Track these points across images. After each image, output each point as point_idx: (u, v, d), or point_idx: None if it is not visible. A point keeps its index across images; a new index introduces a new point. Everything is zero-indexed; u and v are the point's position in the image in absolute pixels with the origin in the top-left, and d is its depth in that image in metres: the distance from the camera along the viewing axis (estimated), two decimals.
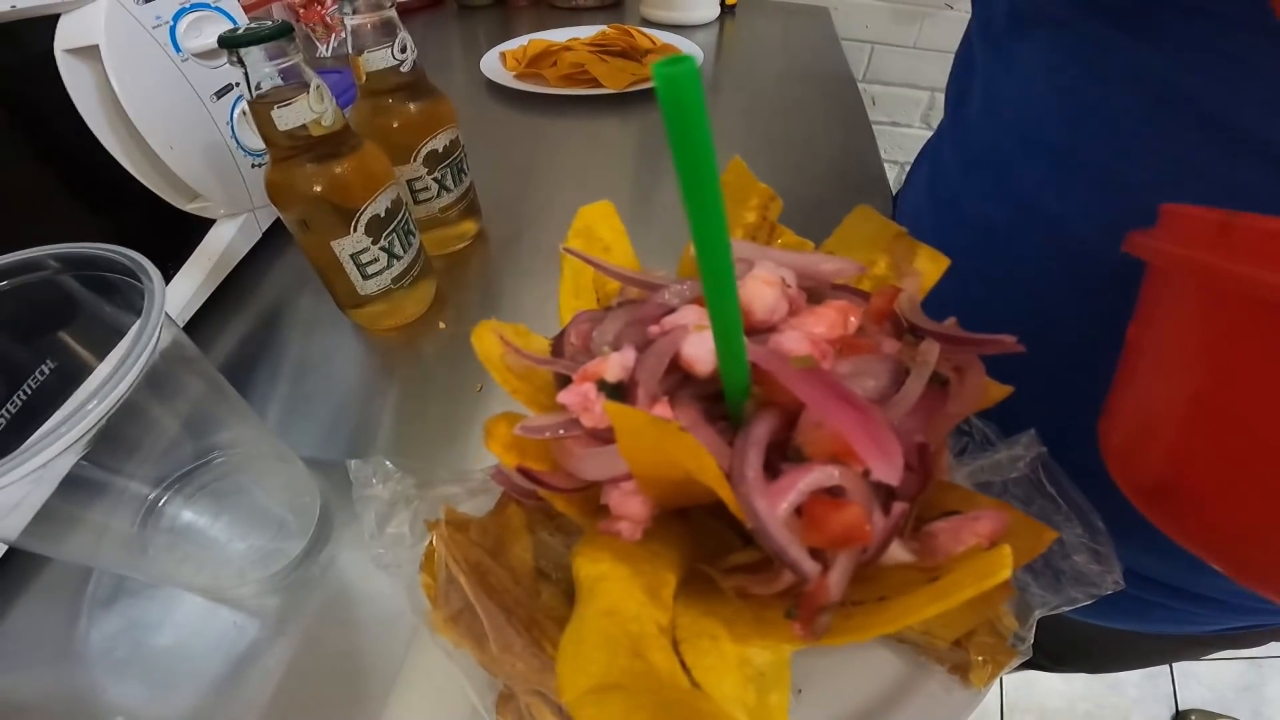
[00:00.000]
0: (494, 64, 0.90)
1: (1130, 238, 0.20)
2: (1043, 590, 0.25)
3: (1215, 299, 0.17)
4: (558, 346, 0.22)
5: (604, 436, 0.19)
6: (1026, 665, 0.75)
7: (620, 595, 0.19)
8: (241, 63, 0.36)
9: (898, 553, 0.20)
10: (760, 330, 0.20)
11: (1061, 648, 0.66)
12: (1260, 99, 0.28)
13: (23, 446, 0.22)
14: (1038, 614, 0.25)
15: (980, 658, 0.25)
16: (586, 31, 0.96)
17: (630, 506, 0.21)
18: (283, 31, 0.36)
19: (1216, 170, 0.29)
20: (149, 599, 0.36)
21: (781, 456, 0.19)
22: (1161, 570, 0.42)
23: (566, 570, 0.26)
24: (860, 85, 1.28)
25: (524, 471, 0.20)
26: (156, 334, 0.27)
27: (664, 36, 0.95)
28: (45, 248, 0.30)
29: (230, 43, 0.35)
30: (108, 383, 0.24)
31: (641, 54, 0.89)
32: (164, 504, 0.33)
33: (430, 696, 0.32)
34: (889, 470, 0.16)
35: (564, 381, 0.20)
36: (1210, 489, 0.19)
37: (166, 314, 0.29)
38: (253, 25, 0.36)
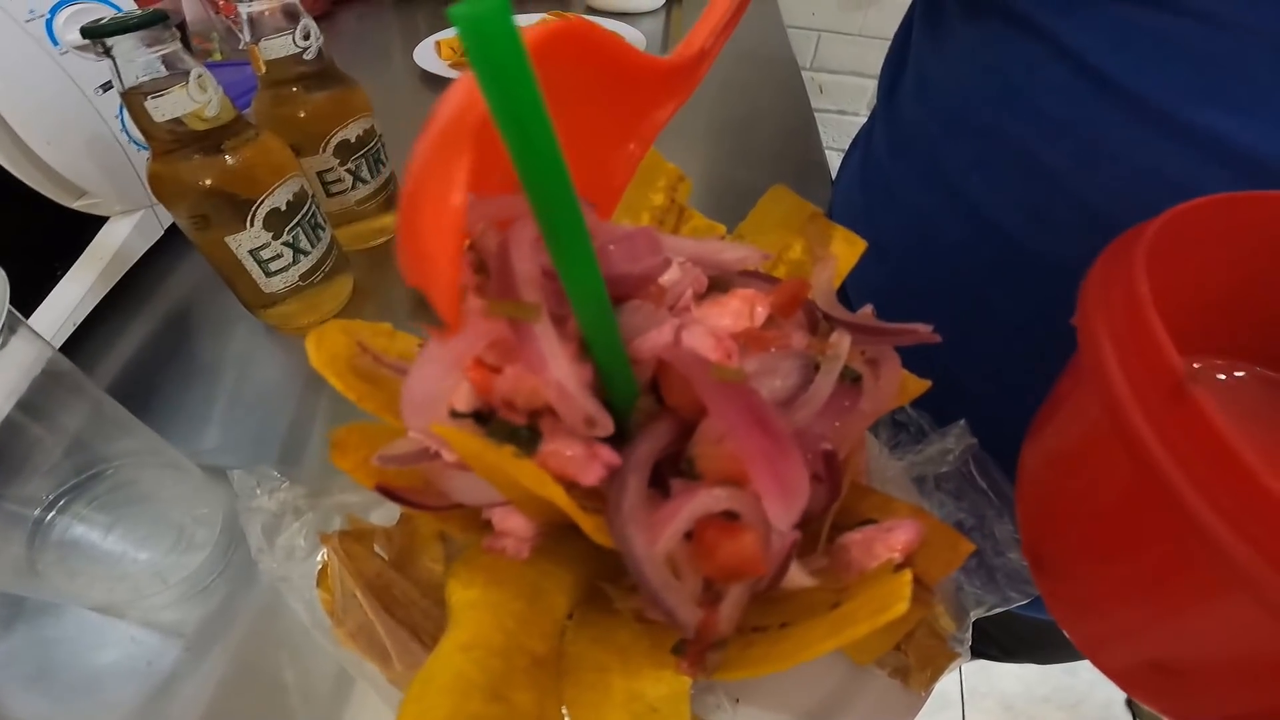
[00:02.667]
0: (428, 54, 0.86)
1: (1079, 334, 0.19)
2: (978, 590, 0.24)
3: (1126, 451, 0.15)
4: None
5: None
6: (979, 656, 0.75)
7: (487, 626, 0.17)
8: (109, 53, 0.33)
9: (799, 577, 0.18)
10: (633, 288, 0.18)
11: (1012, 641, 0.66)
12: (1182, 81, 0.27)
13: None
14: (974, 615, 0.24)
15: (919, 661, 0.24)
16: (526, 20, 0.93)
17: (513, 523, 0.18)
18: (153, 20, 0.34)
19: (1135, 154, 0.29)
20: (53, 615, 0.35)
21: (673, 469, 0.17)
22: None
23: None
24: (807, 73, 1.27)
25: (386, 491, 0.18)
26: None
27: (609, 24, 0.93)
28: None
29: (94, 33, 0.33)
30: None
31: None
32: (52, 520, 0.32)
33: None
34: (785, 516, 0.14)
35: None
36: (1058, 568, 0.21)
37: (35, 331, 0.29)
38: (120, 14, 0.34)
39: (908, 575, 0.15)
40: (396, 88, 0.85)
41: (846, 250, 0.23)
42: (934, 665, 0.23)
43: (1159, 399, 0.14)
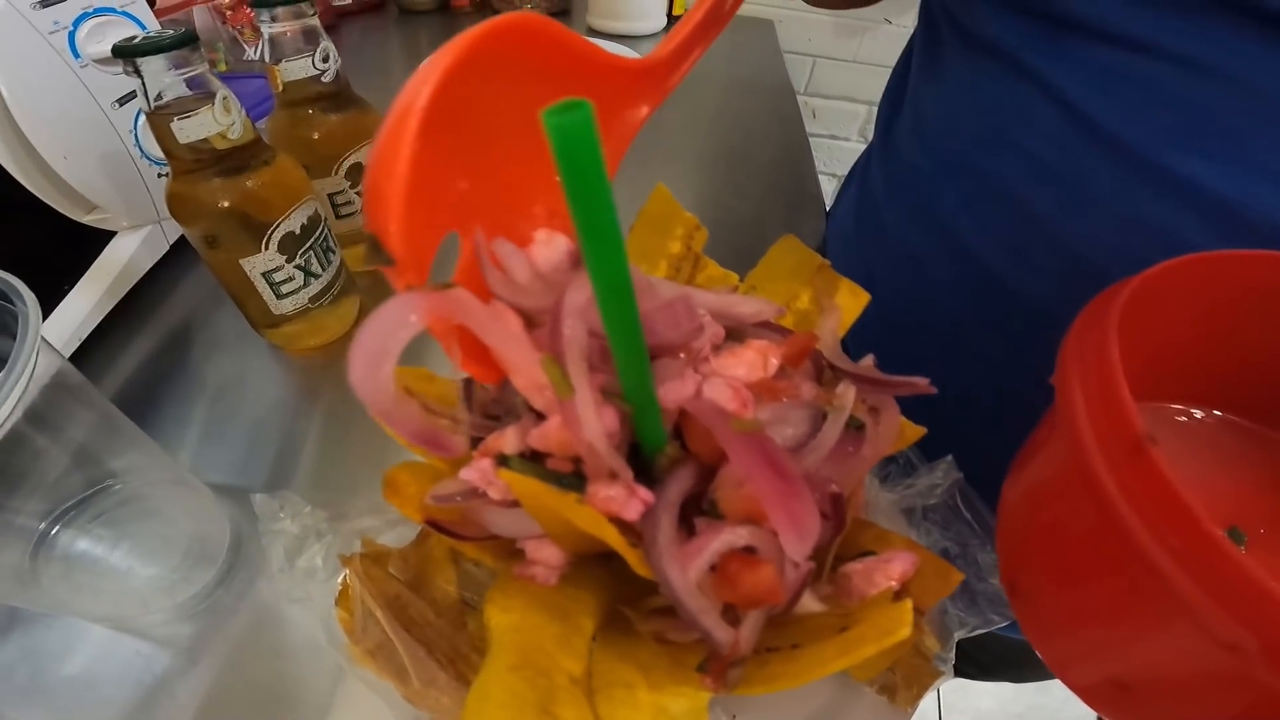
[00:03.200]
0: None
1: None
2: (961, 612, 0.26)
3: (1090, 497, 0.17)
4: (467, 390, 0.20)
5: (514, 502, 0.18)
6: (958, 675, 0.77)
7: (530, 647, 0.18)
8: (138, 73, 0.34)
9: (809, 603, 0.20)
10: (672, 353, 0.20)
11: (989, 659, 0.67)
12: (1163, 127, 0.28)
13: None
14: (958, 635, 0.25)
15: (905, 679, 0.25)
16: None
17: (545, 552, 0.20)
18: (184, 41, 0.34)
19: (1117, 200, 0.30)
20: (48, 627, 0.35)
21: (696, 508, 0.18)
22: None
23: None
24: (801, 98, 1.30)
25: (434, 524, 0.20)
26: (31, 365, 0.25)
27: (610, 46, 0.93)
28: None
29: (126, 52, 0.33)
30: None
31: None
32: (57, 534, 0.32)
33: None
34: (799, 549, 0.16)
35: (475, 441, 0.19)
36: (1031, 594, 0.23)
37: (46, 341, 0.28)
38: (152, 34, 0.34)
39: (909, 604, 0.17)
40: None
41: (851, 302, 0.24)
42: (919, 683, 0.25)
43: (1121, 454, 0.16)
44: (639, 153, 0.76)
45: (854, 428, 0.20)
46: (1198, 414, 0.26)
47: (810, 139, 0.83)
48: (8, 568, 0.30)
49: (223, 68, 0.95)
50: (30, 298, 0.27)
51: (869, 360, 0.23)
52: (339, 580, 0.26)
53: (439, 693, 0.22)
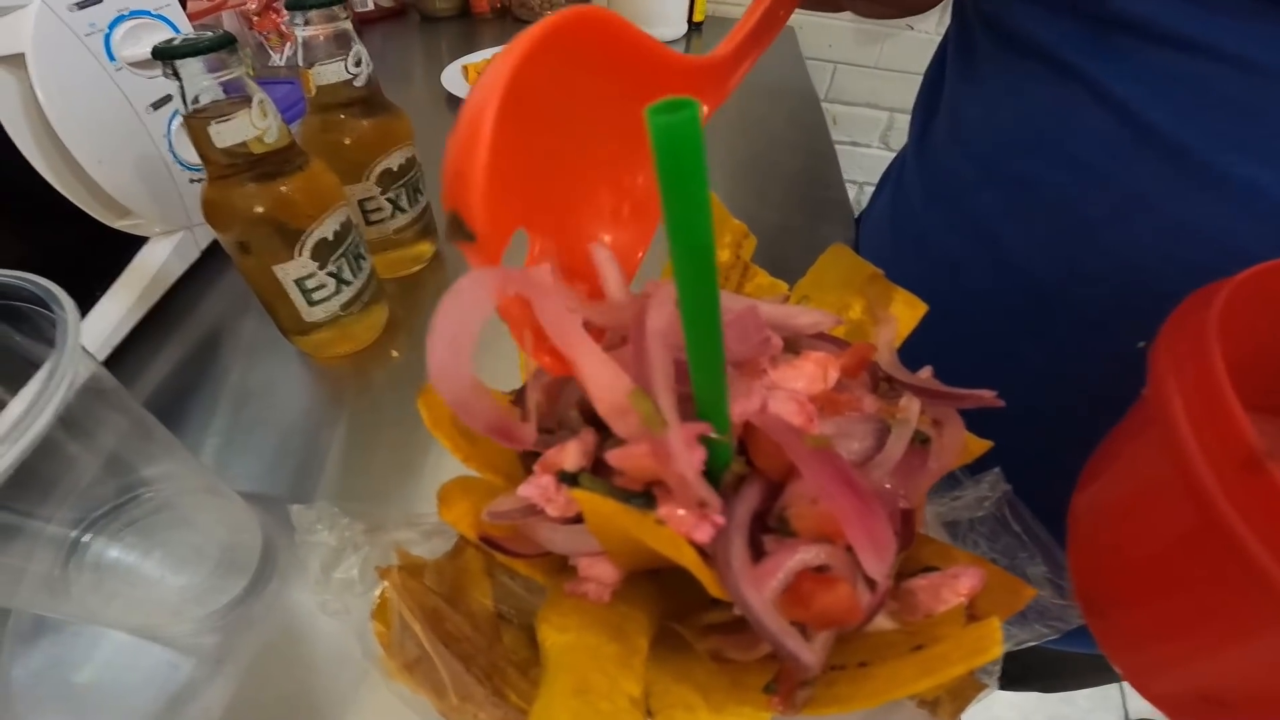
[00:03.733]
0: (455, 77, 0.88)
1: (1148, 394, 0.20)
2: (1009, 626, 0.25)
3: (1196, 509, 0.17)
4: (520, 404, 0.20)
5: (572, 519, 0.18)
6: None
7: (590, 669, 0.17)
8: (177, 75, 0.33)
9: (881, 621, 0.19)
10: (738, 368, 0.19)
11: (1019, 669, 0.67)
12: (1221, 130, 0.28)
13: None
14: (1004, 648, 0.25)
15: (950, 692, 0.24)
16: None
17: (599, 569, 0.19)
18: (223, 43, 0.34)
19: (1172, 205, 0.29)
20: (74, 635, 0.35)
21: (762, 526, 0.18)
22: None
23: (528, 614, 0.25)
24: (822, 104, 1.29)
25: (488, 540, 0.19)
26: (71, 372, 0.25)
27: None
28: None
29: (165, 54, 0.33)
30: (18, 424, 0.23)
31: None
32: (89, 542, 0.32)
33: None
34: (879, 568, 0.15)
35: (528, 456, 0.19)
36: (1111, 606, 0.23)
37: (83, 347, 0.27)
38: (190, 36, 0.34)
39: (996, 622, 0.16)
40: (421, 109, 0.86)
41: (907, 312, 0.24)
42: (963, 696, 0.24)
43: (1233, 468, 0.16)
44: None
45: (919, 441, 0.20)
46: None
47: (833, 145, 0.82)
48: (39, 576, 0.30)
49: (250, 73, 0.96)
50: (69, 303, 0.27)
51: (927, 372, 0.22)
52: (376, 593, 0.26)
53: (476, 708, 0.22)
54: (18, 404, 0.33)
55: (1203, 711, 0.20)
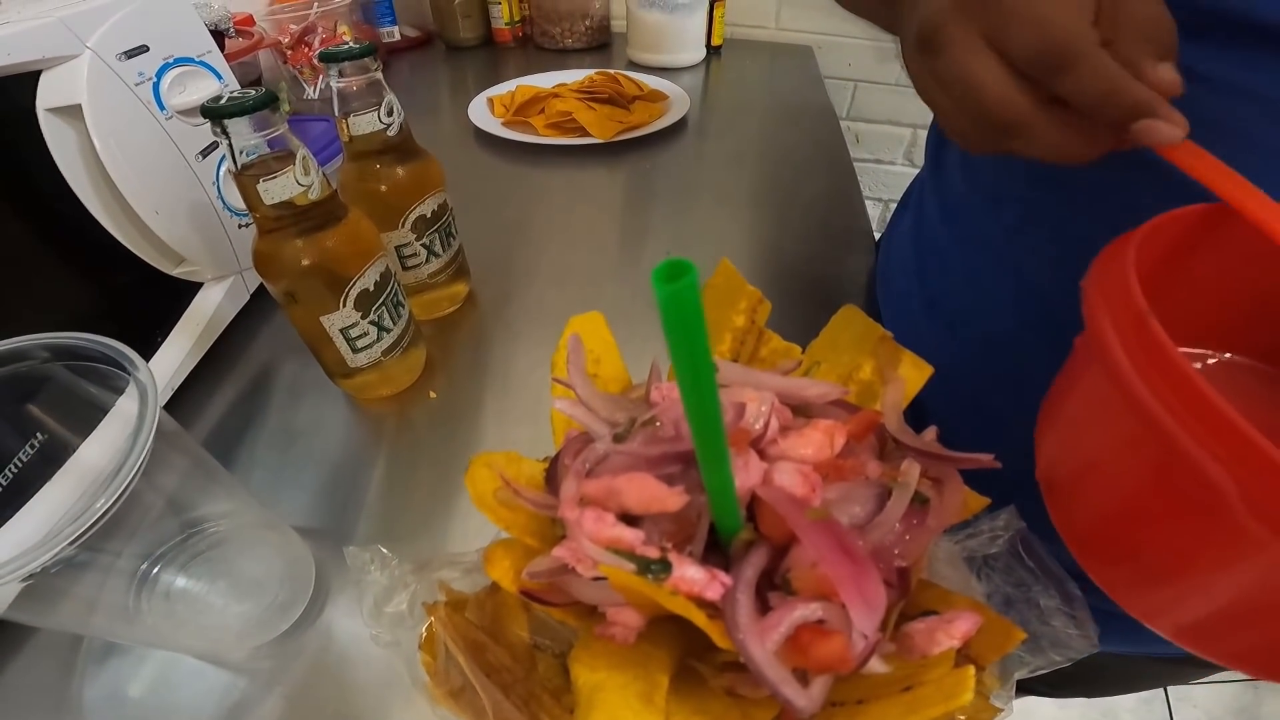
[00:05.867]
0: (481, 110, 0.90)
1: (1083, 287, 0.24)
2: (1024, 652, 0.26)
3: (1107, 383, 0.20)
4: (551, 473, 0.22)
5: (600, 576, 0.20)
6: (1024, 692, 0.75)
7: (619, 704, 0.19)
8: (226, 134, 0.35)
9: (874, 664, 0.21)
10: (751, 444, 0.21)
11: (1059, 675, 0.67)
12: (1212, 149, 0.29)
13: (22, 552, 0.23)
14: (1018, 675, 0.26)
15: (968, 716, 0.26)
16: (573, 76, 0.97)
17: (625, 616, 0.21)
18: (266, 101, 0.35)
19: None
20: (141, 657, 0.37)
21: (768, 584, 0.20)
22: None
23: (561, 645, 0.27)
24: (843, 123, 1.30)
25: (527, 594, 0.21)
26: (151, 432, 0.27)
27: (650, 79, 0.96)
28: (36, 337, 0.30)
29: (214, 114, 0.34)
30: (108, 482, 0.25)
31: (629, 100, 0.90)
32: (157, 573, 0.34)
33: None
34: (868, 624, 0.17)
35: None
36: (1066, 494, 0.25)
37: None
38: (237, 94, 0.35)
39: (971, 670, 0.18)
40: (449, 143, 0.89)
41: (914, 374, 0.25)
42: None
43: (1131, 327, 0.19)
44: (687, 195, 0.78)
45: (918, 502, 0.21)
46: (1211, 359, 0.29)
47: (854, 164, 0.83)
48: (114, 606, 0.32)
49: (286, 108, 0.99)
50: (145, 369, 0.29)
51: (931, 433, 0.24)
52: (423, 627, 0.28)
53: None
54: (91, 446, 0.36)
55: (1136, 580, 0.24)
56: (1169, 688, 1.44)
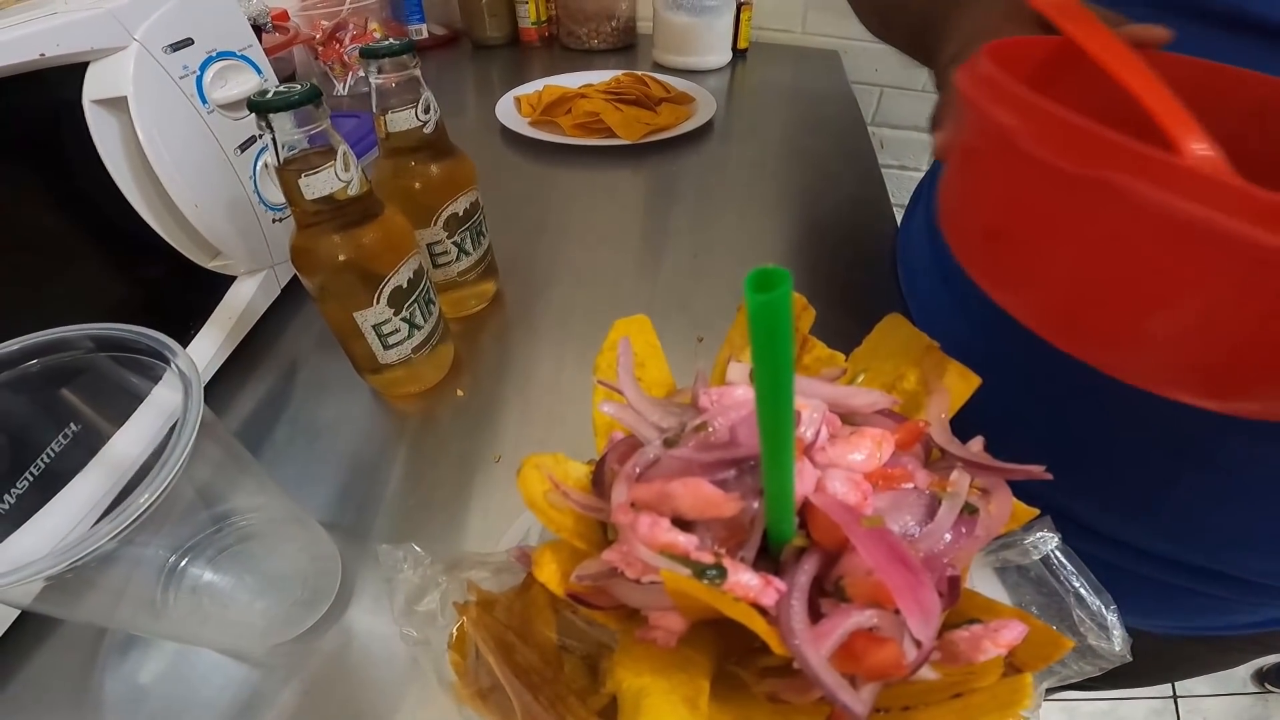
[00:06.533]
0: (509, 109, 0.91)
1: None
2: (1053, 665, 0.27)
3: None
4: (598, 476, 0.22)
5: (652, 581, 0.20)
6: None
7: (664, 710, 0.19)
8: (270, 128, 0.35)
9: (925, 672, 0.21)
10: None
11: None
12: None
13: (65, 546, 0.23)
14: (1045, 685, 0.26)
15: None
16: (600, 77, 0.97)
17: (669, 620, 0.21)
18: (311, 96, 0.35)
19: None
20: (162, 650, 0.37)
21: (819, 590, 0.20)
22: (1182, 551, 0.44)
23: (589, 645, 0.27)
24: (869, 129, 1.30)
25: (574, 597, 0.22)
26: (197, 424, 0.27)
27: (676, 82, 0.97)
28: (81, 327, 0.31)
29: (260, 107, 0.35)
30: (153, 475, 0.25)
31: (655, 102, 0.90)
32: (185, 566, 0.34)
33: None
34: (925, 632, 0.17)
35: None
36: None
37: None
38: (281, 89, 0.36)
39: (1029, 678, 0.18)
40: (477, 141, 0.89)
41: (960, 384, 0.25)
42: None
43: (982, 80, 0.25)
44: (712, 198, 0.78)
45: (968, 512, 0.21)
46: None
47: (880, 169, 0.83)
48: (141, 599, 0.32)
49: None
50: (189, 361, 0.29)
51: (978, 444, 0.23)
52: (454, 627, 0.28)
53: None
54: (125, 435, 0.36)
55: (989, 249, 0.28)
56: (1179, 699, 1.44)
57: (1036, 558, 0.29)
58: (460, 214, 0.51)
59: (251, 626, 0.37)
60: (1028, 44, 0.32)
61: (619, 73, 0.97)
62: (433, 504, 0.43)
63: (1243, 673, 1.47)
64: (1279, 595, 0.45)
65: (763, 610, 0.18)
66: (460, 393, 0.51)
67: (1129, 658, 0.25)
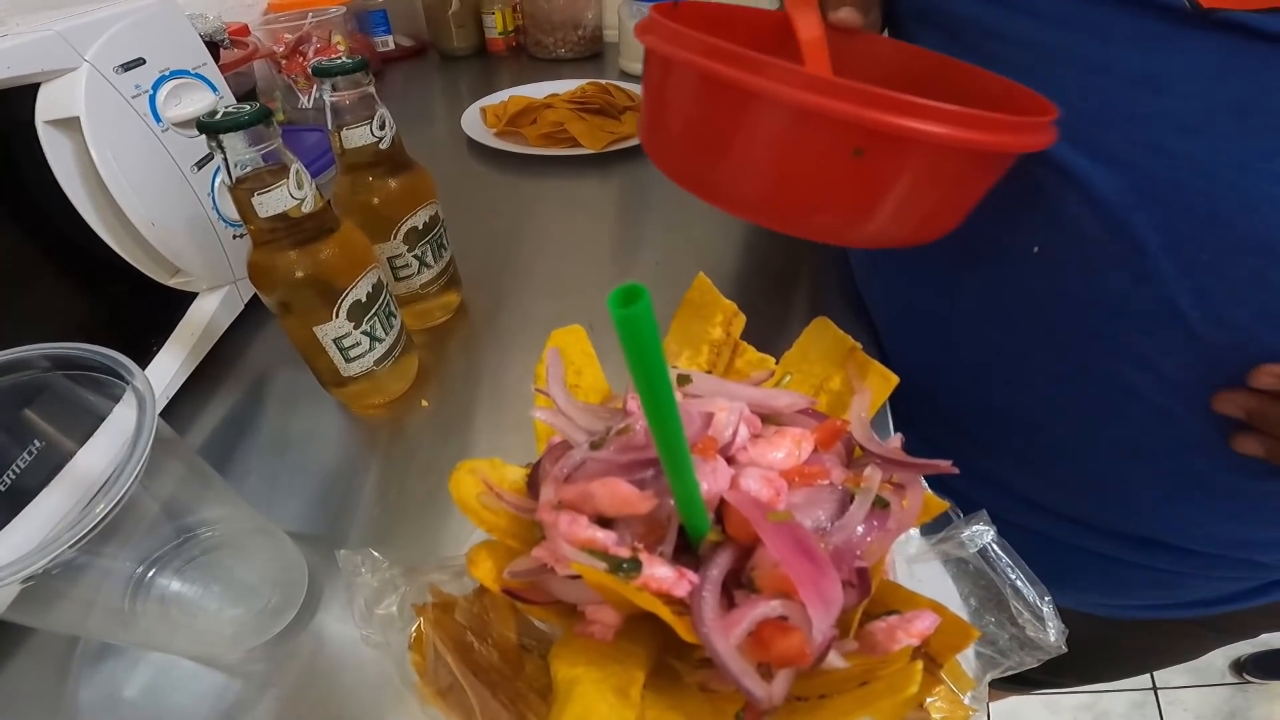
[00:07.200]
0: (474, 120, 0.92)
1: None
2: (995, 653, 0.28)
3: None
4: (533, 478, 0.23)
5: (577, 575, 0.21)
6: (1016, 681, 0.79)
7: (593, 698, 0.20)
8: (221, 148, 0.36)
9: (834, 660, 0.22)
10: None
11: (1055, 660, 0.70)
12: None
13: (24, 554, 0.24)
14: (989, 676, 0.27)
15: (940, 717, 0.27)
16: (565, 87, 0.98)
17: (603, 614, 0.22)
18: (260, 117, 0.36)
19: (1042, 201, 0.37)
20: (136, 659, 0.37)
21: (735, 582, 0.21)
22: (1132, 522, 0.46)
23: (548, 645, 0.27)
24: None
25: (510, 593, 0.23)
26: (150, 440, 0.28)
27: (638, 87, 0.97)
28: (37, 347, 0.31)
29: (209, 128, 0.35)
30: (108, 488, 0.26)
31: (620, 111, 0.91)
32: (152, 577, 0.34)
33: None
34: (825, 622, 0.18)
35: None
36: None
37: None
38: (231, 109, 0.36)
39: (919, 665, 0.19)
40: (443, 153, 0.90)
41: (880, 384, 0.26)
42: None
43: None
44: (675, 203, 0.79)
45: (879, 506, 0.23)
46: None
47: None
48: (110, 608, 0.33)
49: (281, 117, 1.00)
50: (143, 378, 0.30)
51: (896, 441, 0.25)
52: (413, 628, 0.29)
53: None
54: (88, 453, 0.37)
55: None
56: (1159, 690, 1.47)
57: (974, 550, 0.31)
58: (420, 227, 0.52)
59: (220, 634, 0.37)
60: (693, 7, 0.43)
61: (584, 82, 0.98)
62: (403, 513, 0.44)
63: (1221, 663, 1.50)
64: (1222, 564, 0.46)
65: (680, 602, 0.20)
66: (424, 403, 0.51)
67: (1064, 649, 0.26)
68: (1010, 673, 0.28)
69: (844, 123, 0.28)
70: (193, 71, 0.51)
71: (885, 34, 0.50)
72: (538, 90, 0.98)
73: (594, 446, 0.22)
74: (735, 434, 0.22)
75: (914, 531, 0.31)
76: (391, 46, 1.22)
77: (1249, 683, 1.47)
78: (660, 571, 0.19)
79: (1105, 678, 0.76)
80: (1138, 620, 0.57)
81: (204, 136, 0.36)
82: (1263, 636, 0.57)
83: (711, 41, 0.30)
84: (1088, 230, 0.36)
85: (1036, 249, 0.39)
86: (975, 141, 0.28)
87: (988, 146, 0.29)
